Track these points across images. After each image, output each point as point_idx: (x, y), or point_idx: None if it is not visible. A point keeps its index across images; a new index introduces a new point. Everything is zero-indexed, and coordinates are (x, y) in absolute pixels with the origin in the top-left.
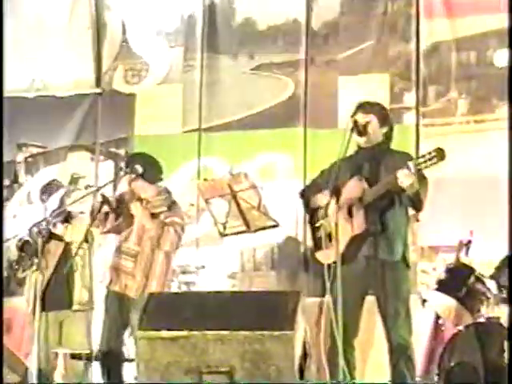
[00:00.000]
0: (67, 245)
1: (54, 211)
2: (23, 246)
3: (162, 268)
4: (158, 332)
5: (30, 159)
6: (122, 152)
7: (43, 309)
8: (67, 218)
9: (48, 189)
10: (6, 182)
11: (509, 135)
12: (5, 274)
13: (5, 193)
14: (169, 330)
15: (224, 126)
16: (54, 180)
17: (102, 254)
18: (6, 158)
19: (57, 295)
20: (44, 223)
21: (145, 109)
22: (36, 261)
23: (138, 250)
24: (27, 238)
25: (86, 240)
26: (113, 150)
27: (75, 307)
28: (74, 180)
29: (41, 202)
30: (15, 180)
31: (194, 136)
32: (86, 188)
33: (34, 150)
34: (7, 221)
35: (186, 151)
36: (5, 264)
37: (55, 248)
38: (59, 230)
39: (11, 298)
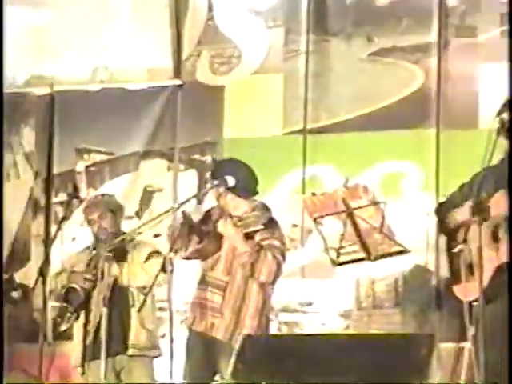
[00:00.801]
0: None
1: (104, 241)
2: (68, 295)
3: (257, 304)
4: None
5: (92, 168)
6: (207, 159)
7: (94, 357)
8: (123, 254)
9: (96, 207)
10: (64, 197)
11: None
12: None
13: (62, 210)
14: (270, 382)
15: (336, 126)
16: (103, 195)
17: (180, 284)
18: (63, 168)
19: (109, 339)
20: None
21: (236, 105)
22: (82, 314)
23: (227, 281)
24: (74, 285)
25: (163, 269)
26: (196, 156)
27: (131, 352)
28: (147, 194)
29: (88, 225)
30: (75, 194)
31: (298, 139)
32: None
33: (98, 158)
34: (65, 244)
35: (288, 158)
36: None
37: (107, 283)
38: (114, 270)
39: (67, 342)
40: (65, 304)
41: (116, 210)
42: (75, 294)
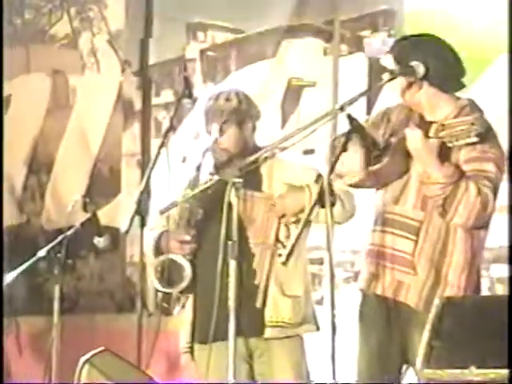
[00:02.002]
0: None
1: (228, 165)
2: (169, 268)
3: (465, 254)
4: (463, 371)
5: (211, 53)
6: (381, 37)
7: (215, 338)
8: (257, 181)
9: (216, 116)
10: (169, 97)
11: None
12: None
13: (166, 116)
14: (482, 366)
15: None
16: (228, 98)
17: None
18: (166, 54)
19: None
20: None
21: None
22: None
23: (421, 220)
24: (175, 257)
25: (320, 203)
26: (364, 33)
27: (269, 332)
28: (294, 90)
29: (208, 134)
30: (187, 93)
31: None
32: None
33: (220, 37)
34: (172, 167)
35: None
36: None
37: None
38: (241, 206)
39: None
40: (164, 288)
41: (248, 119)
42: (177, 270)
